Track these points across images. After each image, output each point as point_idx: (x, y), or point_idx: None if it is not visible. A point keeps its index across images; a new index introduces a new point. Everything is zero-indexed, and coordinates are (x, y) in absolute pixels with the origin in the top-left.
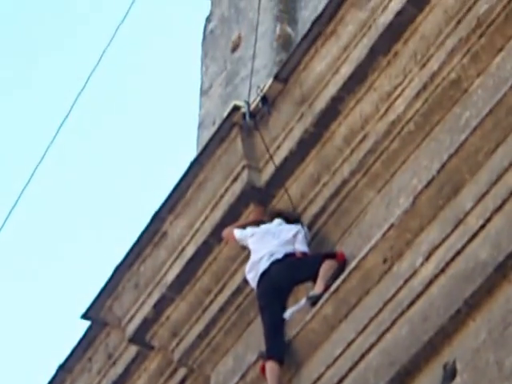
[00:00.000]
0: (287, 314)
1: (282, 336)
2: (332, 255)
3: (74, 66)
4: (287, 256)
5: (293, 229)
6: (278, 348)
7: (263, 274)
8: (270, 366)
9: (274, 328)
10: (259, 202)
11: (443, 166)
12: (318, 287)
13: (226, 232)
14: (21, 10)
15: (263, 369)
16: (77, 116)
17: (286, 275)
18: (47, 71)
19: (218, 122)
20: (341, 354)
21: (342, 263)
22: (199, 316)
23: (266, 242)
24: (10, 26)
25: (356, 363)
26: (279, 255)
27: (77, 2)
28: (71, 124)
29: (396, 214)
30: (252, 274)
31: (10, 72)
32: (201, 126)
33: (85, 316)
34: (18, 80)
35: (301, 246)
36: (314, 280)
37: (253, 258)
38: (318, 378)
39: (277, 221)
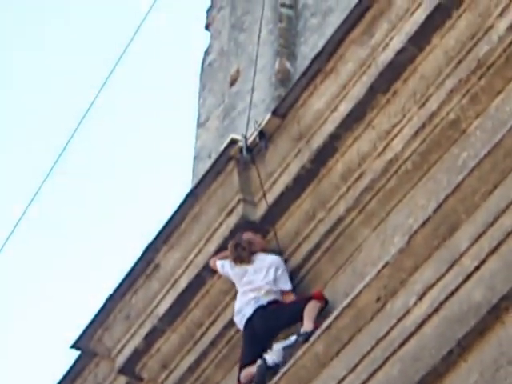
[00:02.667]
0: (275, 347)
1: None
2: (311, 297)
3: (65, 108)
4: (271, 303)
5: (274, 263)
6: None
7: (248, 320)
8: (246, 372)
9: (248, 357)
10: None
11: (440, 206)
12: (308, 325)
13: (211, 261)
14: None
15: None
16: (73, 147)
17: (269, 325)
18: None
19: (214, 155)
20: None
21: (324, 301)
22: (190, 348)
23: (249, 283)
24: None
25: None
26: (264, 301)
27: (77, 34)
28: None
29: (391, 252)
30: (238, 317)
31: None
32: (196, 158)
33: (74, 346)
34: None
35: (285, 285)
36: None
37: (239, 301)
38: None
39: (257, 257)
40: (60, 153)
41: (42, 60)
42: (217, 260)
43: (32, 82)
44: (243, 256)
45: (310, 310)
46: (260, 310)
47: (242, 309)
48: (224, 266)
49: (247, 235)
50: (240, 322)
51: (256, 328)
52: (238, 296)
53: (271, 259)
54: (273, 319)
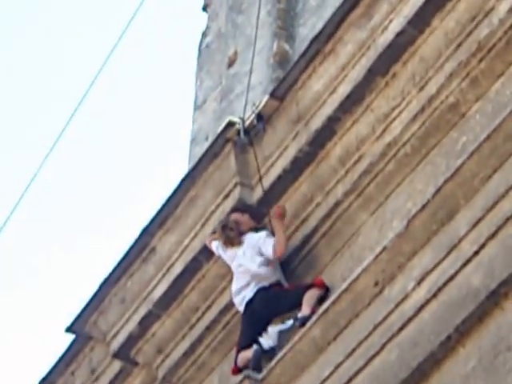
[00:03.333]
0: (271, 330)
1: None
2: (313, 284)
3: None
4: (272, 286)
5: (259, 242)
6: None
7: (249, 302)
8: (242, 355)
9: (247, 339)
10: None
11: (438, 191)
12: (305, 309)
13: (207, 240)
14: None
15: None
16: (71, 131)
17: (270, 308)
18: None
19: (211, 138)
20: (328, 377)
21: (324, 289)
22: (185, 333)
23: (240, 266)
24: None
25: None
26: (265, 283)
27: (76, 14)
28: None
29: (389, 237)
30: (238, 299)
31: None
32: (193, 141)
33: (69, 329)
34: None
35: (269, 249)
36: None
37: (236, 283)
38: None
39: (246, 237)
40: (58, 136)
41: (36, 48)
42: (212, 240)
43: (28, 66)
44: (232, 237)
45: (310, 296)
46: (261, 293)
47: (241, 290)
48: (218, 247)
49: (234, 216)
50: (240, 303)
51: (256, 311)
52: (234, 278)
53: (256, 238)
54: (273, 303)
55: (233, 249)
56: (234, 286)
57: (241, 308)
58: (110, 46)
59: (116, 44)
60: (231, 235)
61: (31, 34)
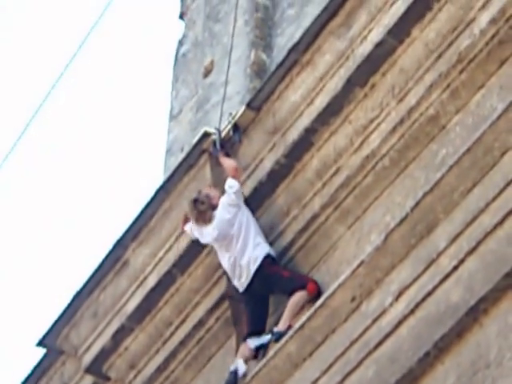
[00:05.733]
0: (251, 343)
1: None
2: (306, 285)
3: (37, 80)
4: (266, 259)
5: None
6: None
7: (249, 285)
8: (244, 347)
9: (259, 322)
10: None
11: (417, 204)
12: (283, 323)
13: (183, 227)
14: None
15: None
16: (42, 133)
17: (268, 287)
18: None
19: (187, 149)
20: None
21: (314, 295)
22: (159, 348)
23: (221, 245)
24: None
25: None
26: (258, 258)
27: (44, 12)
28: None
29: (367, 251)
30: (238, 280)
31: None
32: (169, 151)
33: (40, 343)
34: None
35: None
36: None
37: (225, 263)
38: None
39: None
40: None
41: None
42: (185, 224)
43: None
44: (203, 210)
45: (295, 303)
46: (259, 274)
47: (236, 269)
48: (192, 229)
49: (205, 190)
50: (242, 284)
51: (257, 291)
52: (219, 257)
53: (221, 206)
54: (271, 283)
55: (207, 226)
56: (227, 267)
57: (241, 289)
58: (85, 52)
59: (79, 46)
60: (202, 208)
61: None
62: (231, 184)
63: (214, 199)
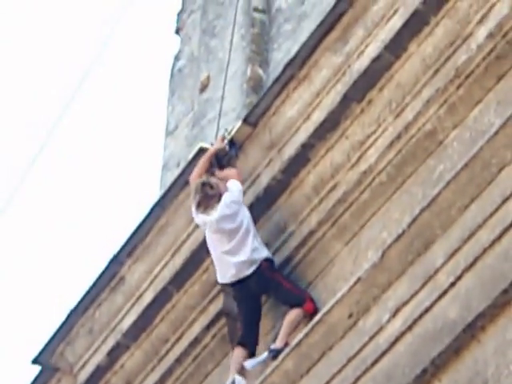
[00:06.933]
0: (248, 365)
1: (257, 331)
2: (304, 302)
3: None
4: (265, 263)
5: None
6: (252, 341)
7: (243, 282)
8: (238, 352)
9: (251, 320)
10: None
11: (414, 220)
12: (280, 340)
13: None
14: None
15: None
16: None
17: (263, 290)
18: None
19: (183, 164)
20: None
21: (310, 314)
22: (155, 365)
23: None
24: None
25: None
26: (256, 262)
27: (47, 37)
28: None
29: (364, 267)
30: (224, 274)
31: None
32: (165, 167)
33: (35, 361)
34: None
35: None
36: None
37: (218, 251)
38: None
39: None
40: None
41: None
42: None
43: None
44: (210, 195)
45: (291, 321)
46: (256, 275)
47: (222, 265)
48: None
49: (214, 179)
50: (229, 278)
51: (251, 289)
52: (209, 244)
53: (223, 202)
54: (267, 286)
55: (203, 214)
56: (213, 253)
57: (225, 280)
58: (81, 71)
59: (91, 66)
60: (211, 193)
61: None
62: (235, 183)
63: (221, 190)
